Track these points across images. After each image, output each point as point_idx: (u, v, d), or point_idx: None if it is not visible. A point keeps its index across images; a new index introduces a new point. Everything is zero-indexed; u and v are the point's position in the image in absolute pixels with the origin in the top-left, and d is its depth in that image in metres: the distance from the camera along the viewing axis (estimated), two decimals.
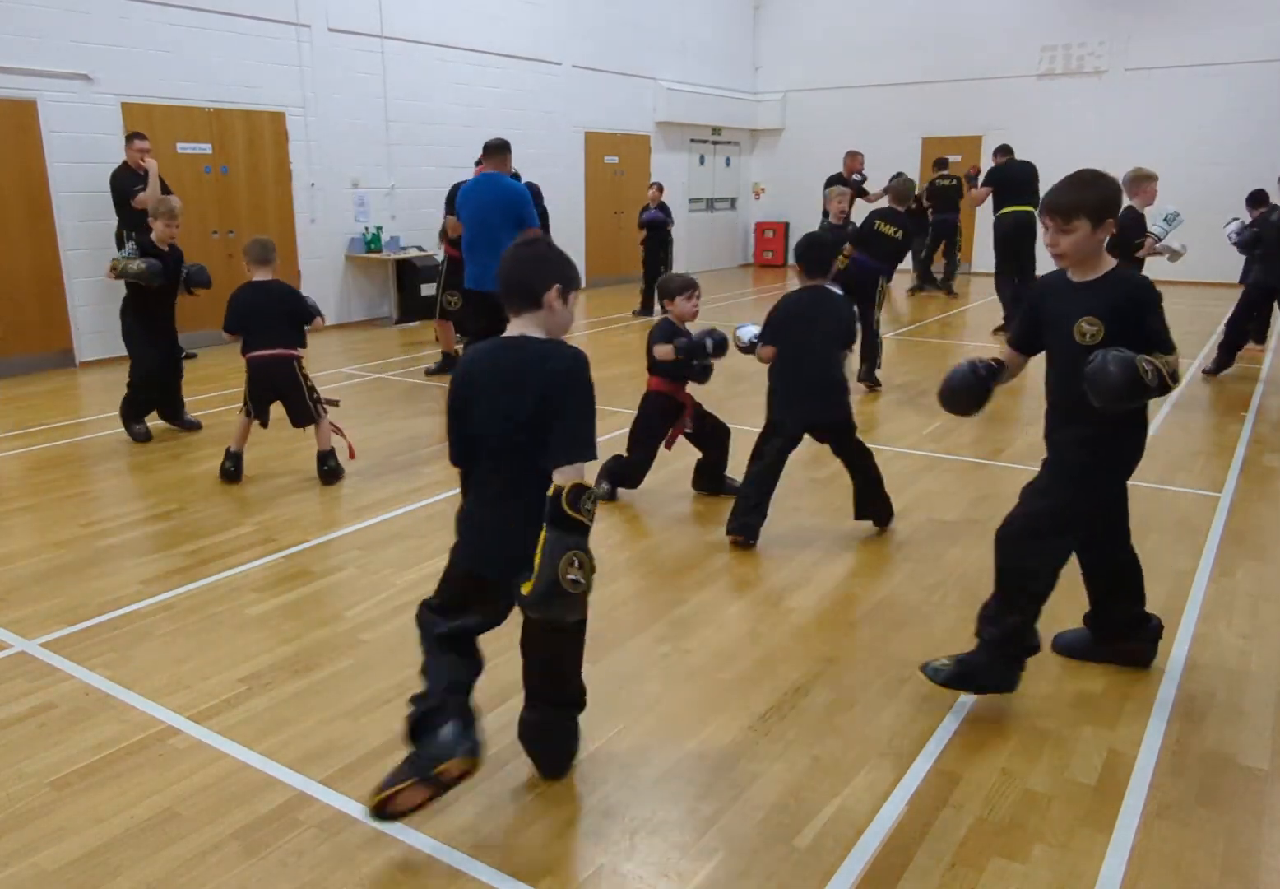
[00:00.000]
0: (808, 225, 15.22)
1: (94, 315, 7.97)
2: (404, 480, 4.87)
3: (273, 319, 4.74)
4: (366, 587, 3.62)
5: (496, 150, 6.20)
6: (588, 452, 2.07)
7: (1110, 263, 2.59)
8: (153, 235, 5.44)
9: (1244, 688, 2.87)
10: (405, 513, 4.41)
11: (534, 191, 9.64)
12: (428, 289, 10.63)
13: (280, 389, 4.81)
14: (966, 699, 2.80)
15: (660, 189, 10.88)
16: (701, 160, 15.38)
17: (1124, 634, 2.96)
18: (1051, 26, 13.69)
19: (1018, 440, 5.63)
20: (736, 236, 16.61)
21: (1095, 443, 2.61)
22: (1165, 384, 2.44)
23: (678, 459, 5.30)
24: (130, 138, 7.56)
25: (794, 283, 11.56)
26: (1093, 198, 2.49)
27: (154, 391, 5.77)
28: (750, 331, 4.25)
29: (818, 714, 2.75)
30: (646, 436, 4.50)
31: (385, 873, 2.10)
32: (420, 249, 10.42)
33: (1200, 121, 12.82)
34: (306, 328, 4.89)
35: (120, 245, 7.59)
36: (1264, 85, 12.47)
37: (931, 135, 14.79)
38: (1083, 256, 2.56)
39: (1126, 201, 6.95)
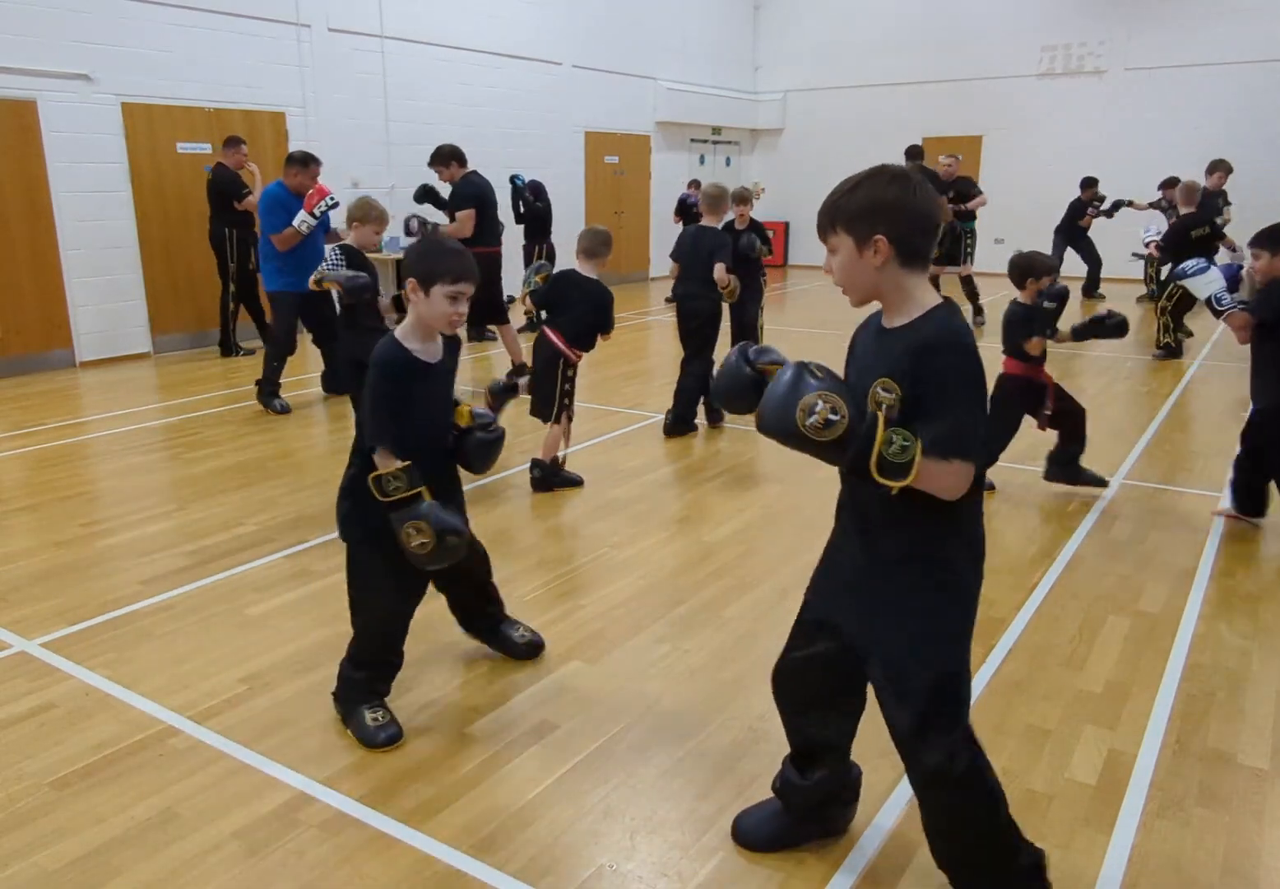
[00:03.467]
0: (808, 225, 15.26)
1: (94, 315, 7.97)
2: None
3: (571, 313, 4.66)
4: None
5: (288, 161, 6.29)
6: None
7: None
8: (353, 240, 4.96)
9: (1244, 688, 2.87)
10: None
11: (536, 189, 9.66)
12: None
13: (537, 375, 4.73)
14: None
15: (698, 186, 11.99)
16: (702, 160, 15.38)
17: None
18: (1051, 26, 13.69)
19: (1018, 440, 5.62)
20: None
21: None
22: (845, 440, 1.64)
23: (679, 458, 5.31)
24: (236, 142, 7.82)
25: (797, 281, 11.47)
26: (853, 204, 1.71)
27: None
28: (1218, 283, 4.12)
29: None
30: (999, 421, 4.41)
31: (385, 873, 2.10)
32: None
33: (1200, 121, 12.82)
34: (601, 336, 4.75)
35: (225, 245, 7.88)
36: (1264, 85, 12.47)
37: (931, 135, 14.78)
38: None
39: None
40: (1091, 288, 12.06)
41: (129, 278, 8.18)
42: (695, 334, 5.78)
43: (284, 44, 9.00)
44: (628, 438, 5.72)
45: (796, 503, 4.51)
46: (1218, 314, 4.11)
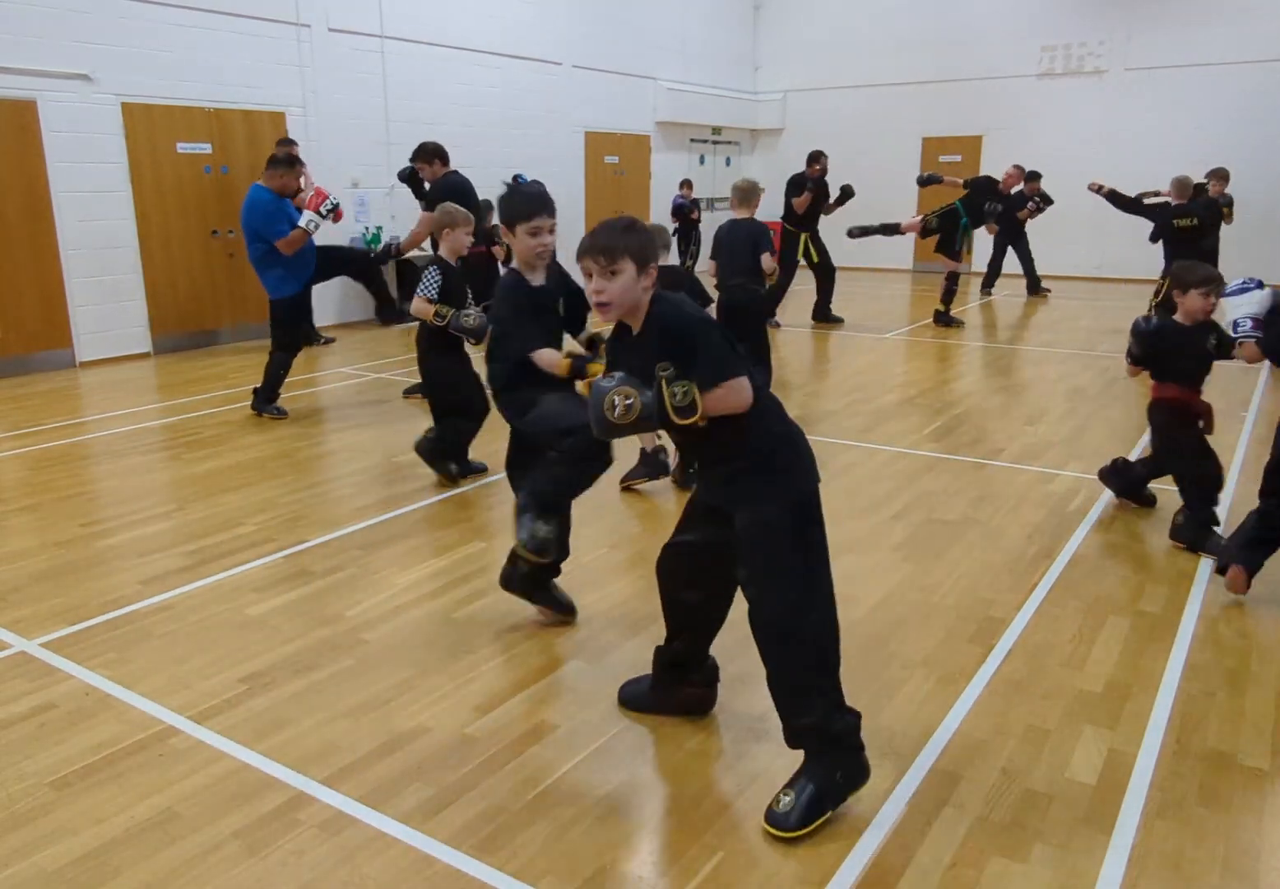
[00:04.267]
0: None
1: (94, 315, 7.98)
2: (404, 480, 4.86)
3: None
4: (366, 587, 3.62)
5: (271, 162, 6.20)
6: None
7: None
8: (445, 250, 4.67)
9: (1244, 688, 2.87)
10: (405, 513, 4.41)
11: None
12: None
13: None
14: (966, 699, 2.80)
15: (690, 186, 12.85)
16: (701, 160, 15.38)
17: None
18: (1051, 26, 13.70)
19: (1018, 440, 5.63)
20: None
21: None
22: (658, 413, 2.12)
23: None
24: (288, 142, 7.91)
25: (798, 281, 11.50)
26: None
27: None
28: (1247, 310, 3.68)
29: None
30: (1184, 449, 4.12)
31: (385, 873, 2.10)
32: (420, 249, 10.40)
33: (1200, 121, 12.83)
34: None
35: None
36: (1264, 85, 12.47)
37: (931, 135, 14.80)
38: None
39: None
40: (1034, 286, 12.17)
41: (129, 278, 8.19)
42: (733, 327, 5.83)
43: (284, 44, 9.00)
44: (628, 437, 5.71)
45: None
46: (1233, 340, 3.89)
